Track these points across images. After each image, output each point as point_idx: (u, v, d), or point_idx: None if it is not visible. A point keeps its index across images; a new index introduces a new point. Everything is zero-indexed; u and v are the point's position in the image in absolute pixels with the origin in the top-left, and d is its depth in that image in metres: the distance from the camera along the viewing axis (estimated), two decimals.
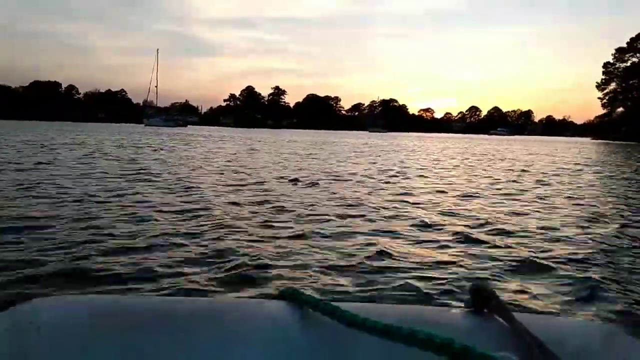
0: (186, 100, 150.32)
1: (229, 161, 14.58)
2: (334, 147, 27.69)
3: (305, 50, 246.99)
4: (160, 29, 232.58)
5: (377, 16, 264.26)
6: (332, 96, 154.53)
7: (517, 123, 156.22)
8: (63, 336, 0.60)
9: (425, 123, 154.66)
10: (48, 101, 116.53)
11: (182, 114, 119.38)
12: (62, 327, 0.62)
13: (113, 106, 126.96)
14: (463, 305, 0.71)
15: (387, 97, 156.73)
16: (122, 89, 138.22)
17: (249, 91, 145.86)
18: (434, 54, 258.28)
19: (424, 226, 5.34)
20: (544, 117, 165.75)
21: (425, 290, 3.16)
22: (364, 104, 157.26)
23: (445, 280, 3.37)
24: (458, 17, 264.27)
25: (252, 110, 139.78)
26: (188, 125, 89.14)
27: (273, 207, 6.22)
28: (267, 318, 0.66)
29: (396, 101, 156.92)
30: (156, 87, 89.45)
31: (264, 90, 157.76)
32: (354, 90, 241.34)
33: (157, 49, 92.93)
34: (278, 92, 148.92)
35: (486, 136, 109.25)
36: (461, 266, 3.75)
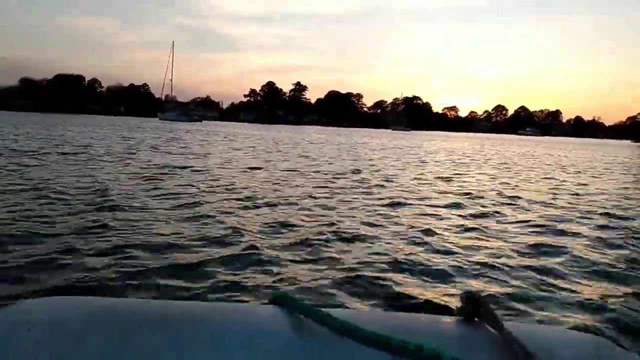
0: (207, 96, 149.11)
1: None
2: (373, 152, 24.52)
3: (327, 46, 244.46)
4: (184, 24, 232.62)
5: (401, 12, 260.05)
6: (354, 93, 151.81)
7: (545, 123, 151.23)
8: (54, 337, 0.60)
9: (449, 122, 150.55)
10: (71, 95, 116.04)
11: (202, 109, 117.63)
12: (54, 328, 0.61)
13: (134, 100, 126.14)
14: (454, 313, 0.71)
15: (410, 95, 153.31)
16: (145, 83, 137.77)
17: (270, 87, 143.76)
18: (459, 51, 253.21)
19: None
20: (572, 117, 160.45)
21: None
22: (386, 101, 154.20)
23: None
24: (484, 13, 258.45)
25: (273, 106, 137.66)
26: (203, 121, 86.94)
27: None
28: (258, 323, 0.66)
29: (420, 99, 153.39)
30: (171, 80, 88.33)
31: (285, 86, 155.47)
32: (376, 87, 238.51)
33: (173, 42, 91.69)
34: (299, 88, 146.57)
35: (516, 137, 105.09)
36: None
